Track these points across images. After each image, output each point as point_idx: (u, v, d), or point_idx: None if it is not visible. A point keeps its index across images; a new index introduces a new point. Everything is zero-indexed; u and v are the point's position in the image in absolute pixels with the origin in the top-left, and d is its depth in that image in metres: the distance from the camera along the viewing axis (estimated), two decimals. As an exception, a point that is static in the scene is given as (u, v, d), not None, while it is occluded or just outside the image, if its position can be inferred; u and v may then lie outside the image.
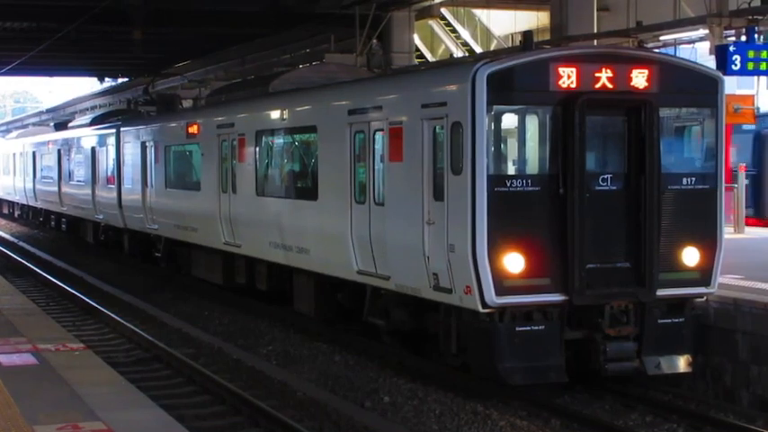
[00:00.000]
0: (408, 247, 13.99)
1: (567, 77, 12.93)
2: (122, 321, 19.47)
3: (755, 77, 26.36)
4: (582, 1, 23.73)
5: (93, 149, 31.50)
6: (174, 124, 24.90)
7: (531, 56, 13.29)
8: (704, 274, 13.66)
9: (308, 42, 35.93)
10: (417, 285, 13.97)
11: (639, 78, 13.28)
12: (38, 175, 41.22)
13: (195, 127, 22.82)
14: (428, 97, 13.73)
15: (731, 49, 18.87)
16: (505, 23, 34.10)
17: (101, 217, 31.17)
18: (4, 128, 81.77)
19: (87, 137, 32.68)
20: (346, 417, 12.58)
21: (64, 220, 38.17)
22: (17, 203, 49.15)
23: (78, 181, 33.81)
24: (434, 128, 13.54)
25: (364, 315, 16.01)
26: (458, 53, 34.02)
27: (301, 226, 17.61)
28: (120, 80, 55.33)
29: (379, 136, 14.99)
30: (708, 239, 13.71)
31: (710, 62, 18.94)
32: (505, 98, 12.95)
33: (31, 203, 44.14)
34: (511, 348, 12.80)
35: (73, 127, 37.32)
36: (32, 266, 29.02)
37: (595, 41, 22.33)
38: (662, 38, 22.27)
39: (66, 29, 31.69)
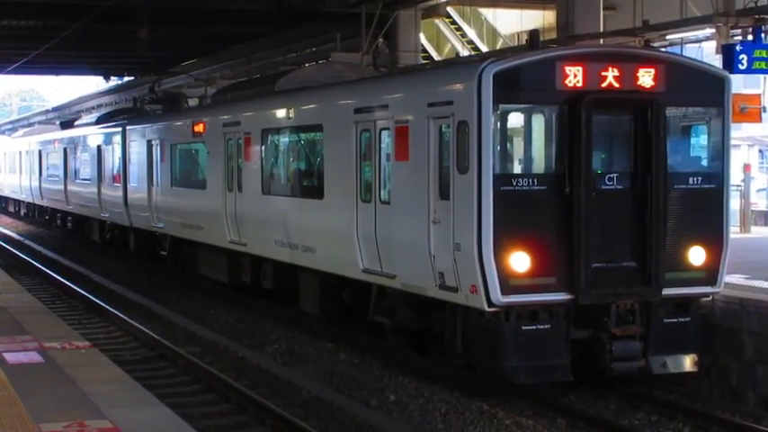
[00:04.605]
0: (414, 246, 13.98)
1: (574, 76, 12.90)
2: (128, 320, 19.48)
3: (762, 76, 26.33)
4: (588, 0, 23.69)
5: (98, 148, 31.53)
6: (179, 123, 24.91)
7: (538, 55, 13.27)
8: (710, 274, 13.64)
9: (313, 41, 35.92)
10: (423, 284, 13.96)
11: (646, 77, 13.26)
12: (44, 173, 41.28)
13: (201, 126, 22.83)
14: (434, 96, 13.72)
15: (738, 48, 18.85)
16: (512, 22, 34.05)
17: (106, 215, 31.20)
18: (10, 126, 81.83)
19: (93, 135, 32.70)
20: (352, 415, 12.58)
21: (70, 218, 38.22)
22: (23, 202, 49.20)
23: (84, 179, 33.84)
24: (440, 127, 13.53)
25: (369, 314, 16.01)
26: (464, 52, 33.98)
27: (307, 225, 17.61)
28: (125, 78, 55.37)
29: (385, 135, 14.99)
30: (714, 239, 13.69)
31: (717, 61, 18.90)
32: (512, 97, 12.94)
33: (36, 202, 44.19)
34: (516, 347, 12.79)
35: (79, 125, 37.34)
36: (38, 265, 29.05)
37: (602, 40, 22.29)
38: (668, 37, 22.23)
39: (72, 27, 31.71)
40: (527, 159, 13.36)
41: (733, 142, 15.27)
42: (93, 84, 70.41)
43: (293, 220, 18.18)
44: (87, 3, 28.80)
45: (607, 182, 13.13)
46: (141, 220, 27.33)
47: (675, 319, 13.48)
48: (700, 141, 14.27)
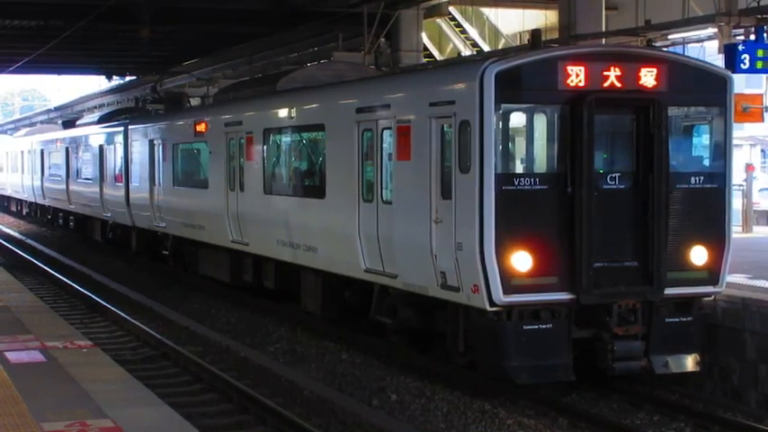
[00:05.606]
0: (416, 246, 13.98)
1: (576, 76, 12.90)
2: (130, 319, 19.49)
3: (764, 76, 26.31)
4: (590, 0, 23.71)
5: (101, 147, 31.53)
6: (181, 122, 24.91)
7: (540, 55, 13.27)
8: (712, 274, 13.64)
9: (315, 41, 35.93)
10: (425, 284, 13.96)
11: (648, 77, 13.26)
12: (46, 172, 41.29)
13: (203, 125, 22.83)
14: (436, 96, 13.72)
15: (740, 47, 18.84)
16: (514, 22, 34.08)
17: (108, 215, 31.21)
18: (12, 126, 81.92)
19: (95, 135, 32.71)
20: (353, 415, 12.57)
21: (72, 217, 38.23)
22: (25, 201, 49.23)
23: (86, 179, 33.85)
24: (442, 126, 13.53)
25: (371, 313, 16.01)
26: (466, 52, 34.01)
27: (309, 224, 17.61)
28: (127, 78, 55.39)
29: (387, 134, 14.99)
30: (716, 238, 13.69)
31: (719, 61, 18.90)
32: (514, 97, 12.94)
33: (39, 201, 44.21)
34: (518, 347, 12.79)
35: (81, 125, 37.37)
36: (40, 264, 29.05)
37: (604, 40, 22.30)
38: (670, 37, 22.22)
39: (73, 27, 31.73)
40: (529, 159, 13.36)
41: (735, 142, 15.26)
42: (95, 83, 70.49)
43: (295, 219, 18.19)
44: (88, 3, 28.82)
45: (609, 181, 13.13)
46: (143, 220, 27.34)
47: (677, 319, 13.47)
48: (702, 141, 14.27)
